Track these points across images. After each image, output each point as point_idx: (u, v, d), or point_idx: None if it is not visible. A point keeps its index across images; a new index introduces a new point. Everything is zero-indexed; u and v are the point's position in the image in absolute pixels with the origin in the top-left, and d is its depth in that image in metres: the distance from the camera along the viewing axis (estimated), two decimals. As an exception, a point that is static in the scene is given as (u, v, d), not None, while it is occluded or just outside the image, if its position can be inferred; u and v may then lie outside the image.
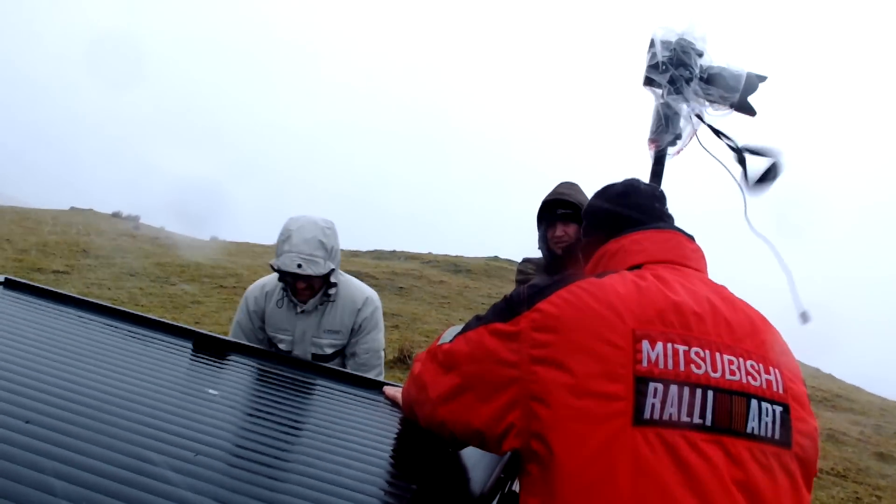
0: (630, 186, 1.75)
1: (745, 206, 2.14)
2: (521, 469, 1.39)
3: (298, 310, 3.11)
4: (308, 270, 2.89)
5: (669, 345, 1.35)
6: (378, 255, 19.18)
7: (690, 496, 1.23)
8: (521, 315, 1.40)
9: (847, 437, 8.15)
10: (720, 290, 1.53)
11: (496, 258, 19.14)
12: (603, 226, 1.69)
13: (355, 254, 18.63)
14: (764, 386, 1.38)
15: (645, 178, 2.62)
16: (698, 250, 1.62)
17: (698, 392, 1.32)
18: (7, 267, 11.42)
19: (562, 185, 3.25)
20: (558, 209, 3.13)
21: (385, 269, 15.38)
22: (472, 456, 1.66)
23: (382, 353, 3.29)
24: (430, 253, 19.87)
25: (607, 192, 1.76)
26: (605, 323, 1.35)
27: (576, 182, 3.27)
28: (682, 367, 1.33)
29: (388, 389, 2.00)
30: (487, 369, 1.39)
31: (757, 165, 2.28)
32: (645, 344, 1.33)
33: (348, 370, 3.24)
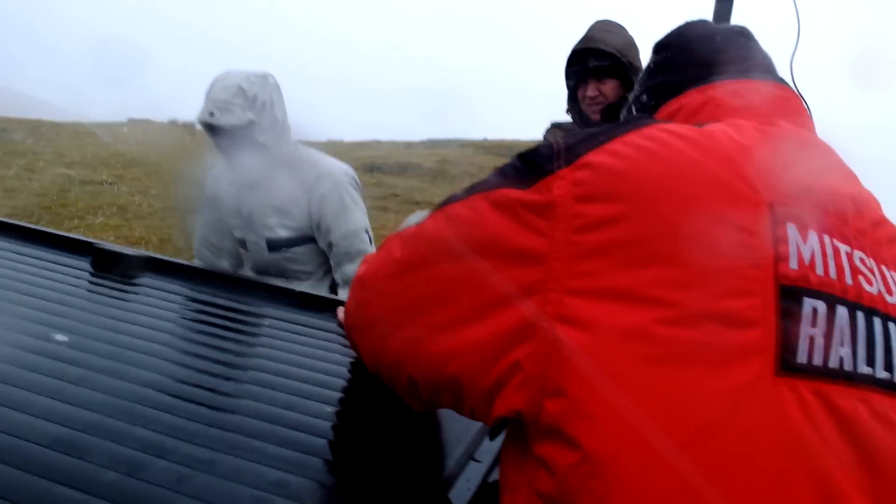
0: (743, 29, 1.09)
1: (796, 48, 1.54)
2: (522, 452, 0.78)
3: (231, 177, 2.64)
4: (221, 120, 2.42)
5: (827, 238, 0.76)
6: (431, 144, 18.61)
7: None
8: (552, 174, 0.77)
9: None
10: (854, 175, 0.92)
11: (554, 138, 18.30)
12: (681, 67, 1.03)
13: (409, 145, 18.09)
14: None
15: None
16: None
17: (877, 324, 0.74)
18: (55, 181, 11.33)
19: (596, 25, 2.53)
20: (590, 60, 2.43)
21: (436, 157, 14.80)
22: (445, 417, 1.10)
23: (367, 234, 2.70)
24: (485, 139, 19.20)
25: (701, 25, 1.11)
26: (720, 188, 0.75)
27: (618, 22, 2.54)
28: (848, 279, 0.74)
29: (341, 312, 1.43)
30: (483, 266, 0.77)
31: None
32: (792, 231, 0.74)
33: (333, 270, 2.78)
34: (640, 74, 1.13)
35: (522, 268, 0.75)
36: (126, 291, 1.45)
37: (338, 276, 2.72)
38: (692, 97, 0.97)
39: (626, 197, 0.74)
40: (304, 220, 2.66)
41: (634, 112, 1.08)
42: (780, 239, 0.73)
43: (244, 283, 1.68)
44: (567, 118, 2.66)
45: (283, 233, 2.66)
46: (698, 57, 1.03)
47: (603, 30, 2.49)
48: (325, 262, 2.77)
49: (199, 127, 2.59)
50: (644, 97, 1.06)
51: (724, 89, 0.96)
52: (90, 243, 1.63)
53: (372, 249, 2.68)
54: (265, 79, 2.56)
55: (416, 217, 0.97)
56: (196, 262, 2.85)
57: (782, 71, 1.11)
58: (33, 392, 0.97)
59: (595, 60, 2.41)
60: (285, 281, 2.71)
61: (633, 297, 0.70)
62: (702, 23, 1.11)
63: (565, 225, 0.75)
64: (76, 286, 1.44)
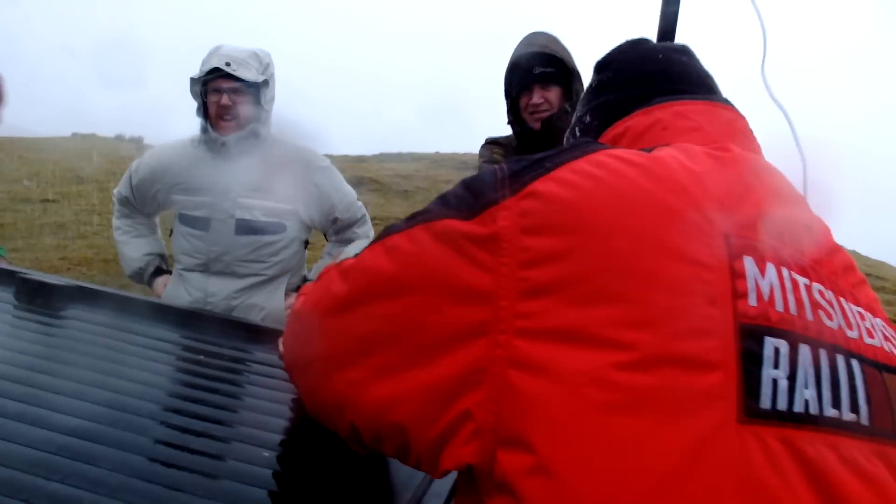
0: (684, 47, 1.06)
1: (764, 58, 1.51)
2: None
3: (220, 142, 2.54)
4: (238, 71, 2.42)
5: (785, 270, 0.72)
6: (383, 158, 18.55)
7: None
8: (497, 204, 0.72)
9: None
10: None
11: (506, 153, 18.37)
12: (624, 86, 1.00)
13: (361, 159, 17.99)
14: None
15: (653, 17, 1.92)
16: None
17: (840, 362, 0.70)
18: (-7, 199, 10.96)
19: (536, 34, 2.49)
20: (535, 66, 2.38)
21: (390, 171, 14.73)
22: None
23: (359, 201, 2.79)
24: (437, 152, 19.21)
25: (642, 44, 1.07)
26: (673, 219, 0.71)
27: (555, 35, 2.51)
28: (809, 314, 0.70)
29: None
30: (426, 304, 0.72)
31: None
32: (749, 264, 0.70)
33: (330, 249, 2.78)
34: (583, 94, 1.09)
35: (468, 306, 0.70)
36: (50, 325, 1.36)
37: (343, 237, 2.75)
38: (638, 119, 0.93)
39: (575, 229, 0.69)
40: (290, 201, 2.61)
41: (578, 133, 1.04)
42: (737, 273, 0.69)
43: (177, 313, 1.58)
44: (503, 132, 2.61)
45: (258, 215, 2.58)
46: (641, 76, 0.99)
47: (545, 37, 2.46)
48: (279, 263, 2.68)
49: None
50: (587, 117, 1.02)
51: (670, 111, 0.92)
52: (13, 272, 1.52)
53: (366, 214, 2.80)
54: (269, 54, 2.60)
55: (356, 247, 0.90)
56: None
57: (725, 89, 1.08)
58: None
59: (540, 67, 2.37)
60: (233, 279, 2.62)
61: (585, 338, 0.65)
62: (643, 41, 1.08)
63: (511, 259, 0.69)
64: (22, 319, 1.34)
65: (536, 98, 2.37)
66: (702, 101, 0.92)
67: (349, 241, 2.76)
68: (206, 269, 2.64)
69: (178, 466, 0.91)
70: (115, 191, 2.85)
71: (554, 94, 2.38)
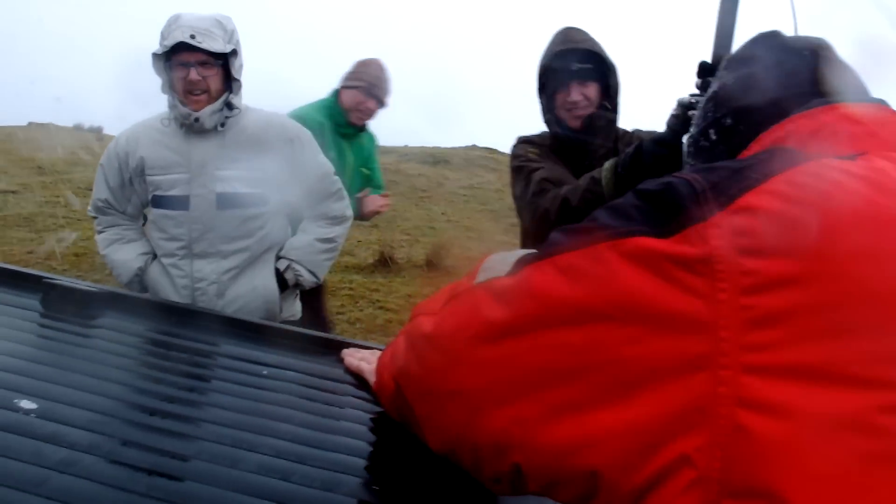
0: (826, 42, 0.94)
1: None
2: None
3: (192, 118, 2.38)
4: (203, 43, 2.25)
5: None
6: (352, 150, 18.36)
7: None
8: (704, 220, 0.63)
9: None
10: None
11: (474, 147, 18.38)
12: (770, 87, 0.89)
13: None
14: None
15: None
16: None
17: None
18: (-49, 191, 10.55)
19: (570, 30, 2.40)
20: (573, 63, 2.29)
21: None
22: None
23: (335, 175, 2.68)
24: (405, 146, 19.09)
25: (779, 37, 0.95)
26: None
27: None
28: None
29: (350, 357, 1.24)
30: (622, 334, 0.63)
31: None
32: None
33: (305, 227, 2.66)
34: (710, 94, 0.98)
35: (678, 337, 0.61)
36: (90, 336, 1.24)
37: (318, 212, 2.66)
38: (800, 122, 0.82)
39: (806, 251, 0.60)
40: (268, 169, 2.47)
41: (715, 137, 0.93)
42: None
43: (214, 319, 1.47)
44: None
45: (238, 186, 2.44)
46: (790, 75, 0.89)
47: (579, 33, 2.37)
48: (265, 237, 2.55)
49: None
50: (728, 120, 0.91)
51: (834, 114, 0.82)
52: (39, 277, 1.40)
53: (341, 188, 2.68)
54: (231, 19, 2.42)
55: (499, 262, 0.80)
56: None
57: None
58: (7, 486, 0.76)
59: (578, 63, 2.28)
60: (219, 259, 2.48)
61: (836, 376, 0.57)
62: (776, 34, 0.98)
63: (731, 284, 0.60)
64: (29, 332, 1.22)
65: (575, 95, 2.27)
66: (866, 104, 0.84)
67: (325, 217, 2.66)
68: (189, 252, 2.48)
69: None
70: (89, 207, 2.67)
71: (592, 90, 2.28)
